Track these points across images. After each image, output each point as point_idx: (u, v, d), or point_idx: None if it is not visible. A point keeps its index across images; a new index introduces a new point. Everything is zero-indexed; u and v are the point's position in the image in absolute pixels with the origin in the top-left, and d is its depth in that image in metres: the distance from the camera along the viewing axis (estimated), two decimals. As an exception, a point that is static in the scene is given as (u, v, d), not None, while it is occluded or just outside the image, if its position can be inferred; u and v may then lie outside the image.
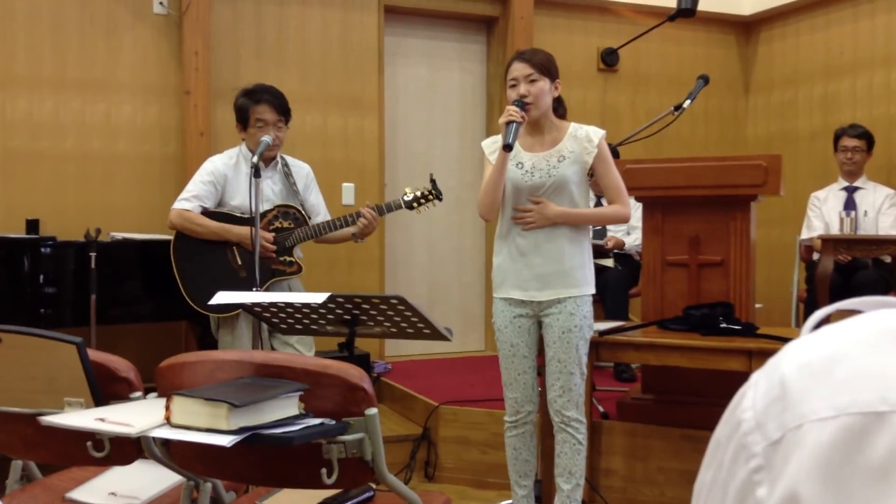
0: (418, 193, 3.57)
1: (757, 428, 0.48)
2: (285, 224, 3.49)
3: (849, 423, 0.44)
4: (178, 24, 4.79)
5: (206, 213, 3.51)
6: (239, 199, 3.49)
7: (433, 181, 3.62)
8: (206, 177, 3.53)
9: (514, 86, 2.90)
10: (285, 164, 3.62)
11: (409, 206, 3.55)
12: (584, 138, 2.93)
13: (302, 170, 3.68)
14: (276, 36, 5.03)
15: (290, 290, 3.55)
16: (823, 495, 0.43)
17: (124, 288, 4.02)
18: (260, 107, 3.48)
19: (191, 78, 4.74)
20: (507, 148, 2.78)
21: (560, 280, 2.91)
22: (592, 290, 2.99)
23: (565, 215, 2.90)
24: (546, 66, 2.90)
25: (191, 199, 3.49)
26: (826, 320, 0.53)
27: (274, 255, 3.46)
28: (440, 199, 3.62)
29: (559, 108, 3.02)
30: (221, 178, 3.53)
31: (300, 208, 3.55)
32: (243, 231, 3.39)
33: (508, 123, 2.79)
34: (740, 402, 0.51)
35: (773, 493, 0.46)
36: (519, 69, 2.89)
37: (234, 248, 3.49)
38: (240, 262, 3.48)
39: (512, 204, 2.96)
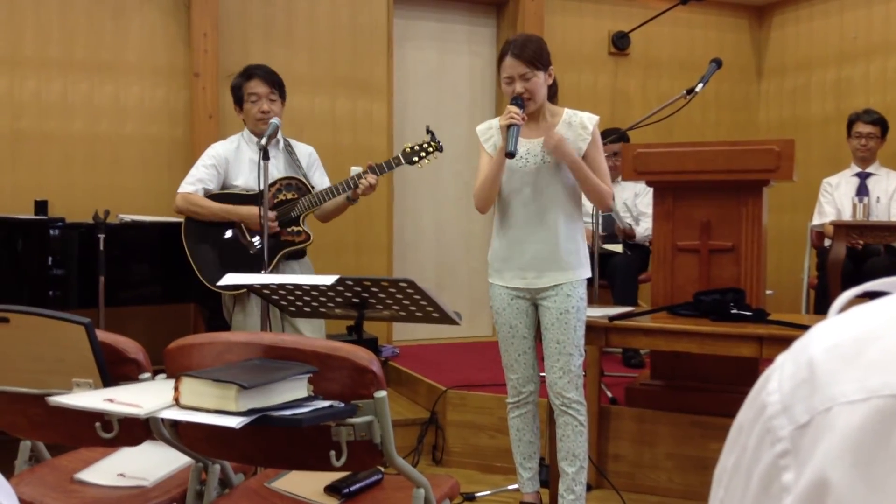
0: (416, 147, 3.43)
1: (783, 411, 0.46)
2: (289, 195, 3.51)
3: (881, 406, 0.42)
4: (186, 5, 4.77)
5: (212, 196, 3.55)
6: (242, 180, 3.56)
7: (430, 132, 3.44)
8: (208, 161, 3.60)
9: (509, 83, 2.86)
10: (288, 145, 3.66)
11: (409, 160, 3.42)
12: (578, 125, 2.93)
13: (305, 150, 3.71)
14: (285, 18, 5.00)
15: (299, 271, 3.55)
16: (854, 480, 0.42)
17: (133, 270, 4.02)
18: (252, 82, 3.53)
19: (199, 60, 4.72)
20: (510, 155, 2.76)
21: (556, 265, 2.92)
22: (588, 274, 2.99)
23: (572, 160, 2.85)
24: (538, 59, 2.84)
25: (194, 183, 3.55)
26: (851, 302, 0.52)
27: (279, 228, 3.46)
28: (440, 151, 3.44)
29: (551, 88, 2.99)
30: (223, 161, 3.59)
31: (303, 179, 3.56)
32: (245, 211, 3.45)
33: (510, 126, 2.76)
34: (765, 385, 0.49)
35: (800, 479, 0.44)
36: (512, 67, 2.83)
37: (242, 224, 3.51)
38: (249, 239, 3.50)
39: (507, 189, 2.96)
